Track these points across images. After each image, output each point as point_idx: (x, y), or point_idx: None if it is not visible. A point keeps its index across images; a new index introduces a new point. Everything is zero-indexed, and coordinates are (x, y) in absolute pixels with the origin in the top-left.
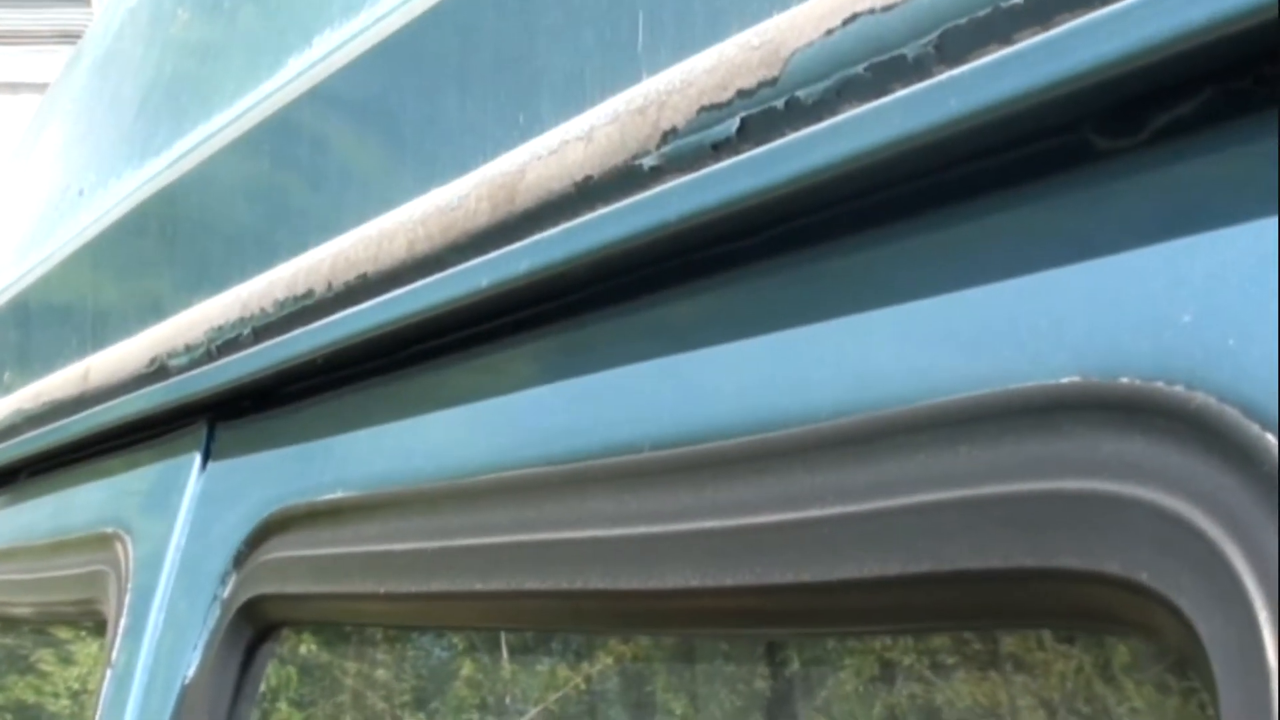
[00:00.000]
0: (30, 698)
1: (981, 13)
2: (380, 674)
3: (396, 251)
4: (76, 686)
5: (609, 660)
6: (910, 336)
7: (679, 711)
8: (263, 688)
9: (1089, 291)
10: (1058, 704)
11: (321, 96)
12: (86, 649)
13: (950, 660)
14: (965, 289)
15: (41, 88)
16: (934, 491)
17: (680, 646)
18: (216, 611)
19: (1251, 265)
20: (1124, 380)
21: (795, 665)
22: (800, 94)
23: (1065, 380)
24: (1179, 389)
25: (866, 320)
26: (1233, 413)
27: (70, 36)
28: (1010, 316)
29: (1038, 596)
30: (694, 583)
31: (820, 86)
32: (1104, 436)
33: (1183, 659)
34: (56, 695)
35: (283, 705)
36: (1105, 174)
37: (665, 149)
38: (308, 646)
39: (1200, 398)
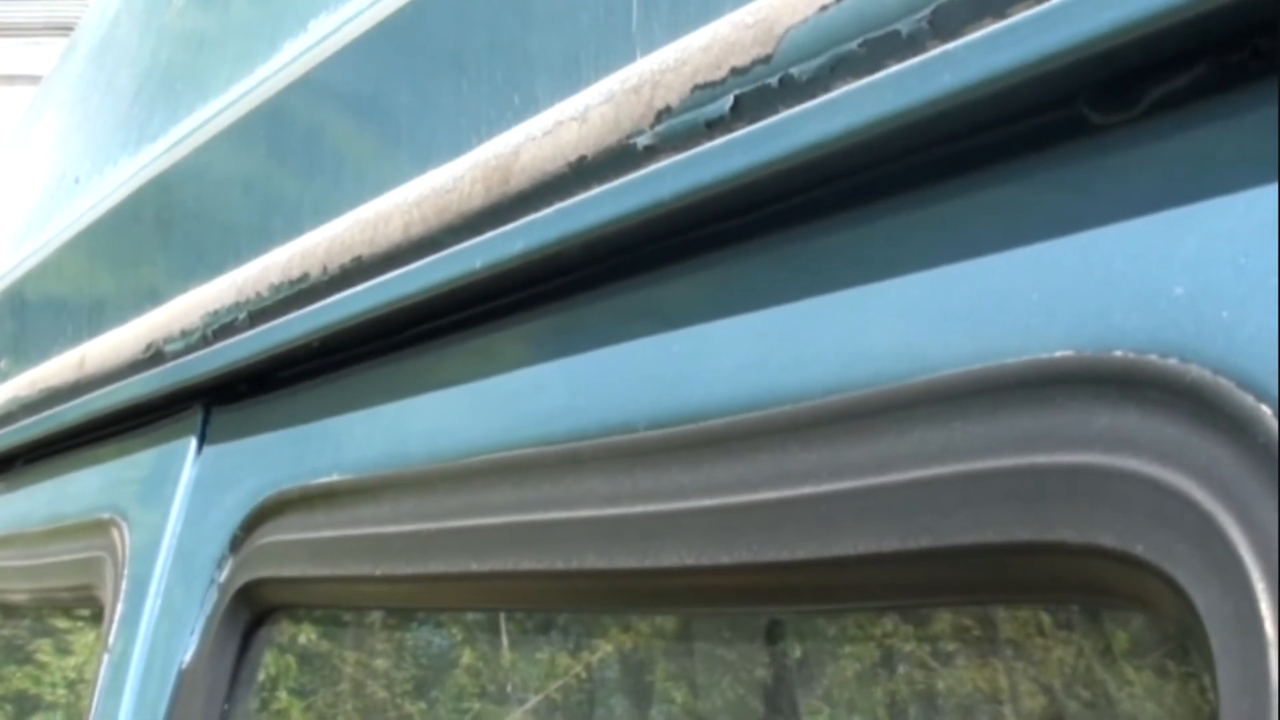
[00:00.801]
0: (30, 688)
1: None
2: (378, 658)
3: (392, 234)
4: (73, 676)
5: (609, 648)
6: (905, 313)
7: (679, 700)
8: (260, 673)
9: (1083, 265)
10: (1057, 688)
11: (316, 81)
12: (83, 639)
13: (950, 646)
14: (959, 264)
15: (36, 80)
16: (930, 467)
17: (679, 633)
18: (213, 596)
19: (1246, 238)
20: (1118, 353)
21: (795, 652)
22: (794, 71)
23: (1059, 354)
24: (1173, 362)
25: (861, 297)
26: (1228, 385)
27: (65, 29)
28: (1004, 291)
29: (1034, 570)
30: (690, 561)
31: (814, 63)
32: (1098, 410)
33: (1179, 631)
34: (54, 685)
35: (280, 690)
36: (1100, 148)
37: (659, 128)
38: (305, 630)
39: (1195, 370)
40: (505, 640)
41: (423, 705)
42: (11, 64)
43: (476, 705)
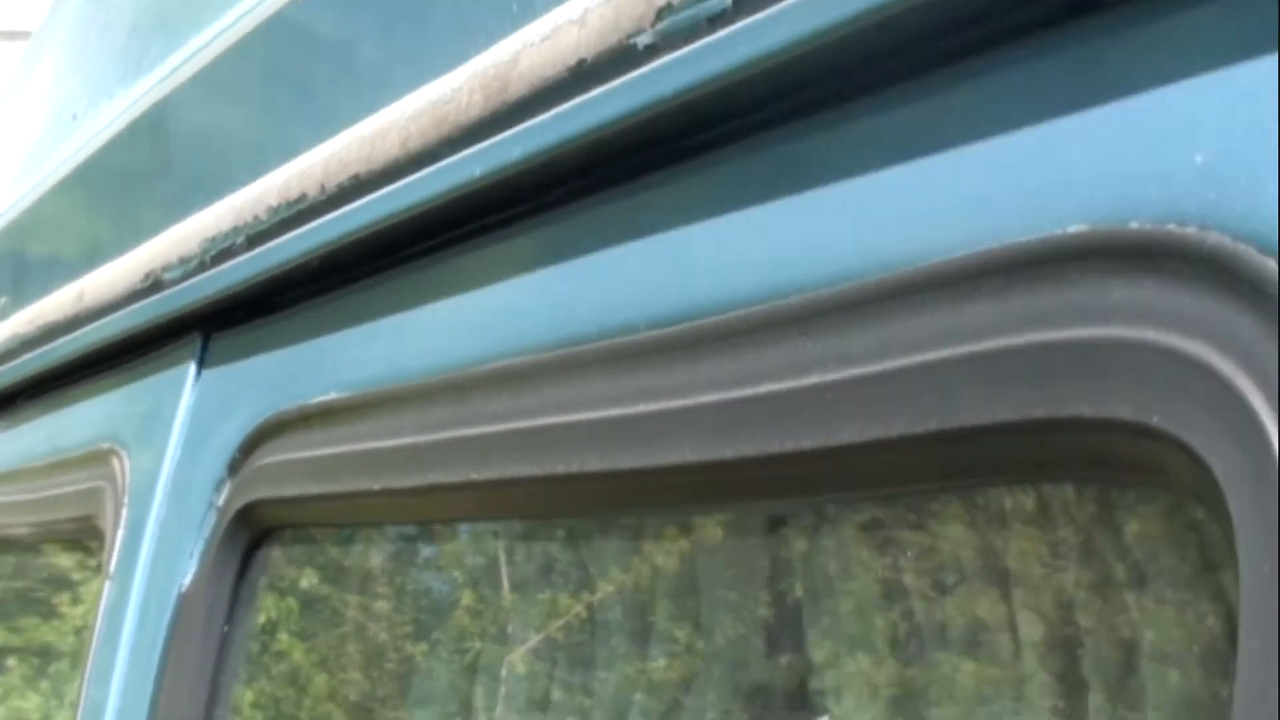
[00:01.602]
0: (50, 638)
1: None
2: (377, 574)
3: (389, 150)
4: (81, 624)
5: (610, 589)
6: (916, 195)
7: (682, 640)
8: (259, 594)
9: (1097, 137)
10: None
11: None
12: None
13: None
14: (973, 144)
15: None
16: (939, 349)
17: (683, 580)
18: (212, 519)
19: (1264, 103)
20: (1134, 224)
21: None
22: None
23: (1073, 229)
24: (1192, 230)
25: (869, 182)
26: (1247, 250)
27: None
28: (1017, 168)
29: (1048, 448)
30: (693, 458)
31: None
32: (1114, 282)
33: (1195, 499)
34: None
35: (279, 614)
36: (1116, 17)
37: (660, 26)
38: (303, 549)
39: (1214, 237)
40: (503, 557)
41: (423, 620)
42: (15, 20)
43: (476, 626)
